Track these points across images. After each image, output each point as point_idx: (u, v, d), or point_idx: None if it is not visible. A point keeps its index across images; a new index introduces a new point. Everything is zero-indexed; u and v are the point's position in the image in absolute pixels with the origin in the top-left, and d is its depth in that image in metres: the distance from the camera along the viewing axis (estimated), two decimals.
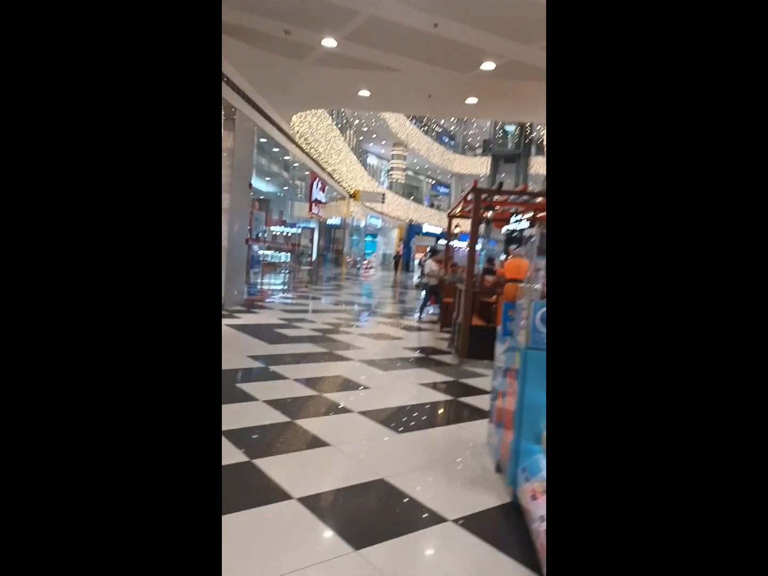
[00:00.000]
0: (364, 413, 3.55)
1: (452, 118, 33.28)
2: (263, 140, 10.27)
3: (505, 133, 33.84)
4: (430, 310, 10.87)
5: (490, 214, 5.82)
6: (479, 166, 32.91)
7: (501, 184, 5.56)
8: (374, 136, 27.79)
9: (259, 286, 10.52)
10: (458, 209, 8.13)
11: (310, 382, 4.24)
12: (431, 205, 34.11)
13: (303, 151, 12.28)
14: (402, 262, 29.86)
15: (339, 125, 16.70)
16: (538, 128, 32.03)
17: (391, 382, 4.48)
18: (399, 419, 3.52)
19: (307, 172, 13.91)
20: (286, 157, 12.25)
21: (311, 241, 17.07)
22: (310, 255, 16.52)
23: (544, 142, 28.94)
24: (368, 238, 30.05)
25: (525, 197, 6.14)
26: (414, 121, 29.64)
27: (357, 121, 25.09)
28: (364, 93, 8.22)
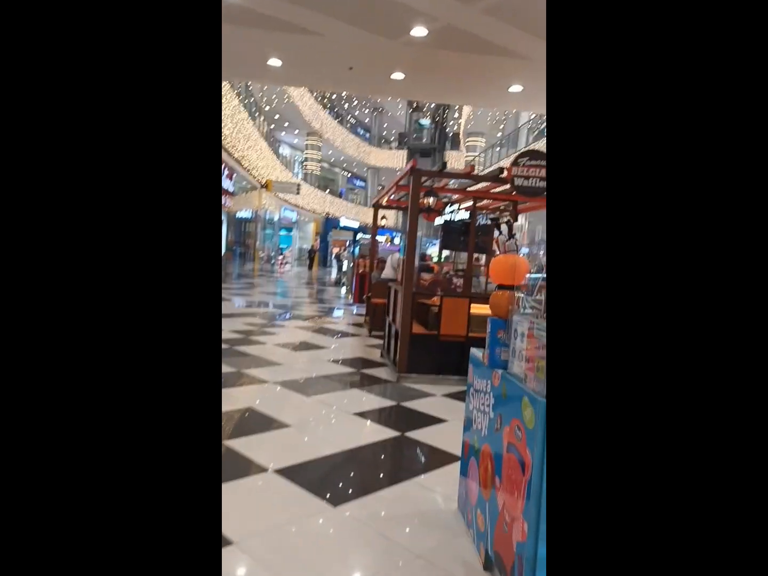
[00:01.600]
0: (282, 472, 2.53)
1: (366, 110, 32.52)
2: None
3: (421, 126, 33.72)
4: (355, 309, 9.94)
5: (431, 200, 5.00)
6: (395, 159, 32.64)
7: (444, 164, 4.73)
8: (286, 124, 26.33)
9: None
10: (385, 198, 7.23)
11: None
12: (340, 195, 33.13)
13: None
14: (319, 257, 28.67)
15: (248, 109, 15.18)
16: (451, 123, 32.12)
17: (316, 415, 3.48)
18: (331, 479, 2.53)
19: None
20: None
21: None
22: None
23: (460, 136, 29.01)
24: (283, 232, 28.50)
25: (467, 181, 5.36)
26: (328, 110, 28.53)
27: (268, 108, 23.54)
28: (275, 62, 7.05)
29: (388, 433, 3.20)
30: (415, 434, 3.20)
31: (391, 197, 7.05)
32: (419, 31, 5.85)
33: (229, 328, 6.48)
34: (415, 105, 31.87)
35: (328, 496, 2.32)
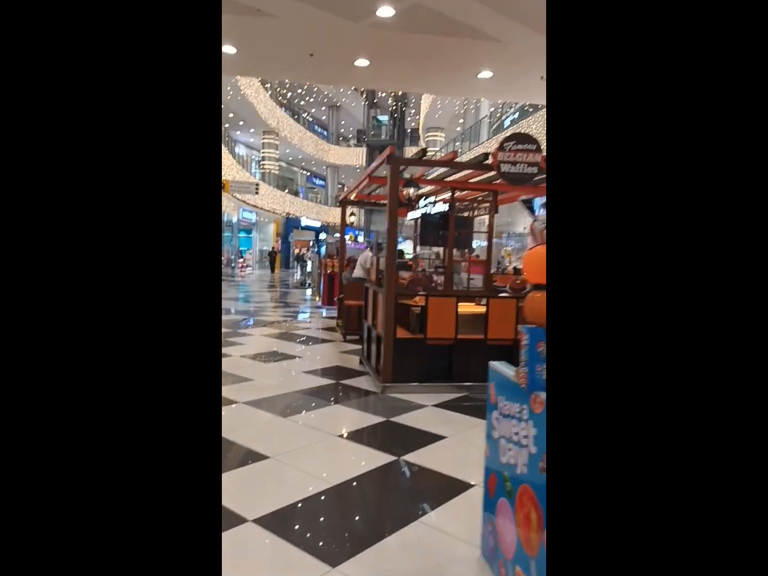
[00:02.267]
0: (263, 522, 2.07)
1: (323, 107, 31.89)
2: None
3: (379, 122, 33.39)
4: (324, 312, 9.47)
5: (411, 191, 4.59)
6: (354, 156, 32.30)
7: (424, 151, 4.33)
8: (241, 122, 25.48)
9: None
10: (354, 193, 6.79)
11: None
12: (298, 195, 32.48)
13: None
14: (281, 258, 27.91)
15: None
16: (408, 119, 31.89)
17: (295, 440, 3.03)
18: (323, 528, 2.09)
19: None
20: None
21: None
22: None
23: (420, 131, 28.81)
24: (242, 234, 27.61)
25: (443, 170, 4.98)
26: (284, 108, 27.83)
27: (222, 106, 22.64)
28: (229, 49, 6.48)
29: (382, 458, 2.78)
30: (413, 457, 2.79)
31: (366, 192, 6.61)
32: (385, 11, 5.43)
33: None
34: (372, 101, 31.53)
35: (323, 551, 1.88)
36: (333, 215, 33.28)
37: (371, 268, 6.81)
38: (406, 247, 11.98)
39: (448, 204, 5.16)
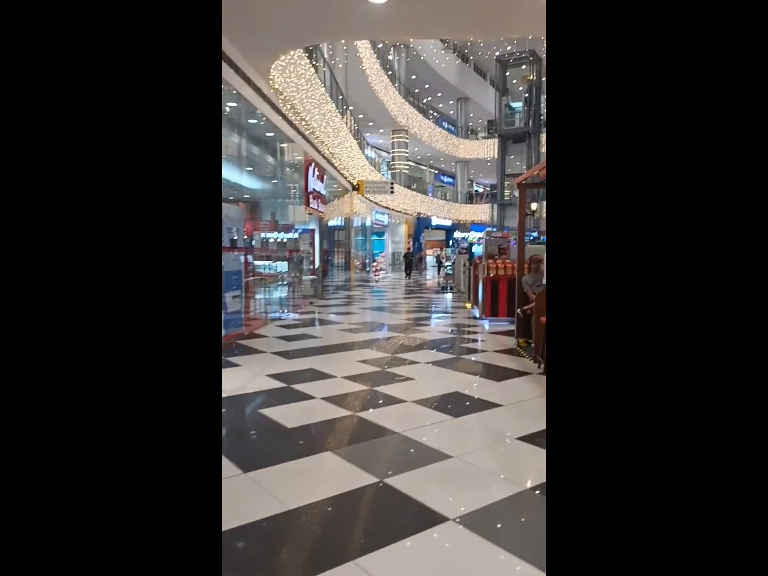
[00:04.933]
0: None
1: (450, 102, 30.25)
2: (231, 104, 7.16)
3: (512, 110, 30.94)
4: (486, 325, 7.80)
5: None
6: (485, 149, 30.41)
7: None
8: (371, 123, 24.81)
9: (243, 314, 7.45)
10: (534, 173, 5.03)
11: None
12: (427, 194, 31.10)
13: (291, 124, 9.15)
14: (413, 260, 26.76)
15: (334, 100, 13.52)
16: (542, 105, 29.05)
17: None
18: None
19: (299, 156, 10.79)
20: (269, 134, 9.12)
21: (311, 245, 14.07)
22: (312, 262, 13.52)
23: None
24: (374, 237, 26.99)
25: None
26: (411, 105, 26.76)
27: (352, 107, 22.11)
28: None
29: None
30: None
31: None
32: None
33: (342, 373, 4.59)
34: (504, 88, 29.31)
35: None
36: (464, 212, 31.60)
37: None
38: None
39: None
